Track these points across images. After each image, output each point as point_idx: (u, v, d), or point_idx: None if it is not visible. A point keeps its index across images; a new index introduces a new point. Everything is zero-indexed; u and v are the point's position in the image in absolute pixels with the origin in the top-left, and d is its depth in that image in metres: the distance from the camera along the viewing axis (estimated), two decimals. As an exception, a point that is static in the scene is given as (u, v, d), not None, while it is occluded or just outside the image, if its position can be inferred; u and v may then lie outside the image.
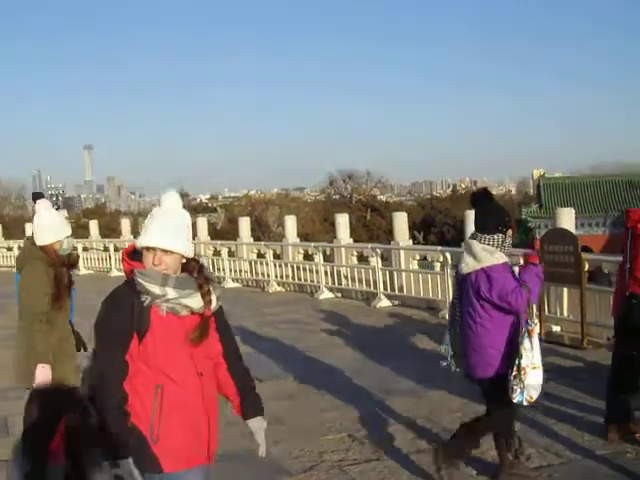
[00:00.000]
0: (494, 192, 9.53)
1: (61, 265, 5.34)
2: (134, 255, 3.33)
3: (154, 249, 3.23)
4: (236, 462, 5.49)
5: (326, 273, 16.56)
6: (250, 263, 19.65)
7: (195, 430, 3.28)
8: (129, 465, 3.03)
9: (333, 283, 16.42)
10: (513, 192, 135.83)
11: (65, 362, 5.28)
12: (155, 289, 3.17)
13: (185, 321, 3.26)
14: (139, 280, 3.20)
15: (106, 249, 26.17)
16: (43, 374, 5.05)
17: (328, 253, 17.67)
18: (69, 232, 5.44)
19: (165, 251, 3.23)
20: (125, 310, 3.19)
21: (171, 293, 3.19)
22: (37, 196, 5.62)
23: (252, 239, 22.53)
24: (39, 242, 5.29)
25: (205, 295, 3.30)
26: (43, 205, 5.44)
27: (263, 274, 18.83)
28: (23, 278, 5.25)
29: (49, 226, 5.32)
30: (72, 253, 5.59)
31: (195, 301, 3.27)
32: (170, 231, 3.25)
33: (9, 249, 30.79)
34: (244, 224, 22.29)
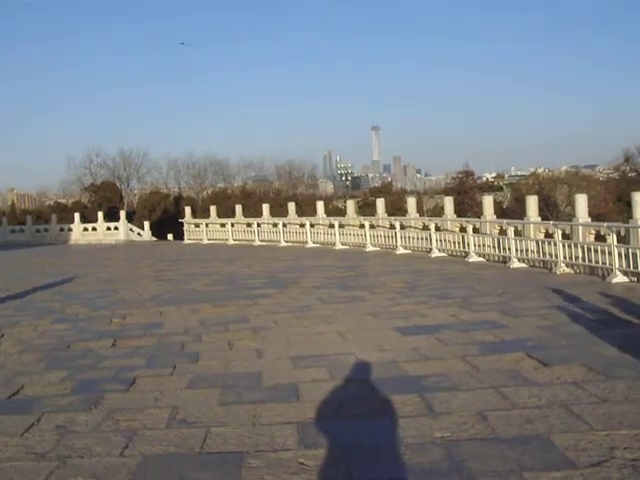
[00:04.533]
0: None
1: None
2: None
3: None
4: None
5: (620, 255, 15.45)
6: (537, 243, 18.97)
7: None
8: None
9: (628, 266, 15.27)
10: None
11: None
12: None
13: None
14: None
15: (392, 226, 26.77)
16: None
17: (622, 234, 16.50)
18: None
19: None
20: None
21: None
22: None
23: (540, 218, 21.74)
24: None
25: None
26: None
27: (551, 254, 18.09)
28: None
29: None
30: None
31: None
32: None
33: (302, 225, 32.72)
34: (531, 203, 21.58)
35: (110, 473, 4.97)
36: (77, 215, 50.60)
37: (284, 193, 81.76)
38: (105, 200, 74.07)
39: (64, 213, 62.27)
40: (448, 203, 27.22)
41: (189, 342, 9.74)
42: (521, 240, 19.66)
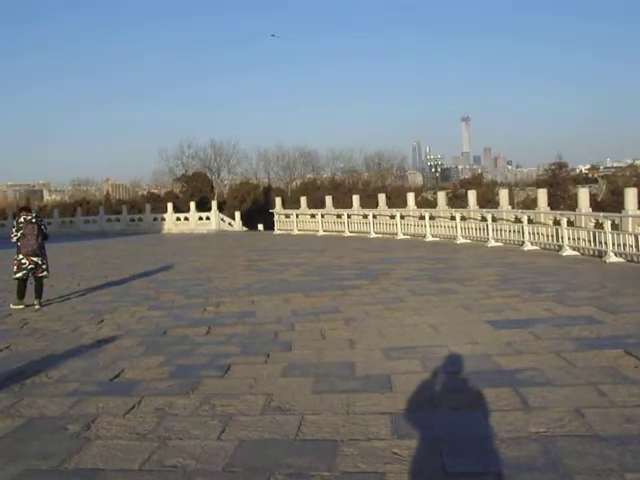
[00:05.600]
0: None
1: None
2: None
3: None
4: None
5: None
6: (636, 237, 18.34)
7: None
8: None
9: None
10: None
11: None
12: None
13: None
14: None
15: (484, 219, 26.40)
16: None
17: None
18: None
19: None
20: None
21: None
22: None
23: (639, 212, 21.03)
24: None
25: None
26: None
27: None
28: None
29: None
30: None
31: None
32: None
33: (392, 217, 32.62)
34: (630, 195, 20.96)
35: (208, 456, 5.12)
36: (170, 205, 51.90)
37: (373, 184, 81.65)
38: (196, 190, 75.52)
39: (156, 203, 63.93)
40: (541, 195, 26.67)
41: (282, 331, 9.88)
42: (618, 234, 19.05)
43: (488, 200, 52.86)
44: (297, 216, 40.18)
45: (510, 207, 29.45)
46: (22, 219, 13.70)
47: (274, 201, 45.07)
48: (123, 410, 6.34)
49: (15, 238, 13.65)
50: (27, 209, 14.54)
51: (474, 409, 5.93)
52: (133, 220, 53.33)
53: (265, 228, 48.60)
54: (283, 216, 41.83)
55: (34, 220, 13.74)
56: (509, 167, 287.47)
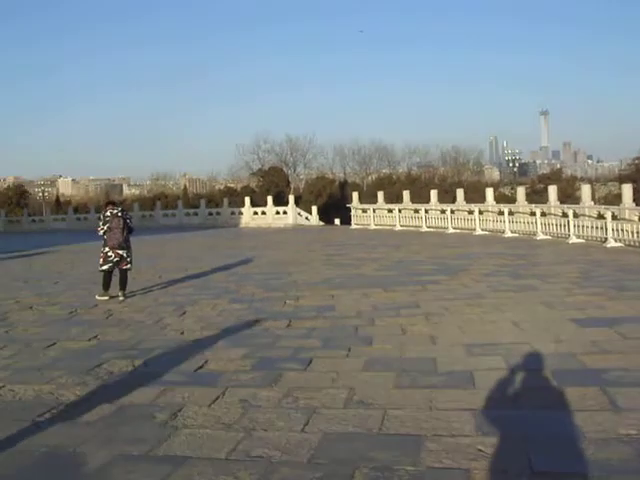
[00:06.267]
0: None
1: None
2: None
3: None
4: None
5: None
6: None
7: None
8: None
9: None
10: None
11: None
12: None
13: None
14: None
15: (564, 215, 25.86)
16: None
17: None
18: None
19: None
20: None
21: None
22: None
23: None
24: None
25: None
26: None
27: None
28: None
29: None
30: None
31: None
32: None
33: (470, 212, 32.26)
34: None
35: (293, 447, 5.19)
36: (247, 199, 52.44)
37: (449, 179, 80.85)
38: (272, 185, 76.16)
39: (233, 197, 64.68)
40: (626, 191, 25.92)
41: (362, 325, 9.91)
42: None
43: (568, 195, 51.78)
44: (374, 211, 40.11)
45: (592, 203, 28.72)
46: (109, 213, 14.09)
47: (350, 196, 45.13)
48: (208, 400, 6.48)
49: (102, 231, 14.05)
50: (113, 203, 14.96)
51: (560, 408, 5.84)
52: (211, 214, 54.20)
53: (341, 223, 48.70)
54: (360, 211, 41.81)
55: (120, 214, 14.12)
56: (589, 162, 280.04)
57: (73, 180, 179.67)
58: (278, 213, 49.85)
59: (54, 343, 9.66)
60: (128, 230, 14.17)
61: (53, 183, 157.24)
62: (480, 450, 4.95)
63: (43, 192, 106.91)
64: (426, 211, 35.56)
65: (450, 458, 4.83)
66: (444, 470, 4.67)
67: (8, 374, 7.96)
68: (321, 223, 48.61)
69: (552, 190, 29.91)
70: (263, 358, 8.14)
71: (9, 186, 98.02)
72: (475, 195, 43.28)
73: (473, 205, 33.10)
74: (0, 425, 6.04)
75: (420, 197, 44.18)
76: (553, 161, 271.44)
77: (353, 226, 41.13)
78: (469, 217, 32.09)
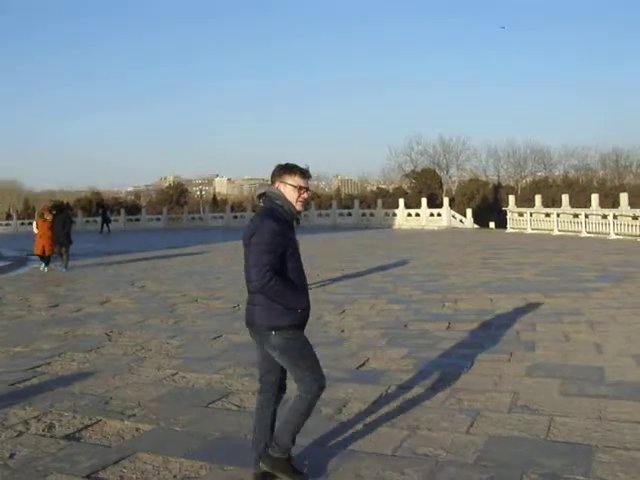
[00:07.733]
0: None
1: None
2: None
3: None
4: None
5: None
6: None
7: None
8: None
9: None
10: None
11: None
12: None
13: None
14: None
15: None
16: None
17: None
18: None
19: None
20: None
21: None
22: None
23: None
24: None
25: None
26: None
27: None
28: None
29: None
30: None
31: None
32: None
33: (634, 218, 30.78)
34: None
35: (458, 448, 5.21)
36: (401, 201, 52.45)
37: (609, 183, 77.34)
38: (425, 187, 75.75)
39: (385, 198, 64.89)
40: None
41: (523, 330, 9.73)
42: None
43: None
44: (531, 214, 39.07)
45: None
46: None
47: (504, 199, 44.24)
48: (371, 397, 6.61)
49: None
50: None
51: None
52: (364, 215, 54.67)
53: (496, 226, 47.78)
54: (516, 214, 40.84)
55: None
56: None
57: (229, 179, 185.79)
58: (432, 215, 49.53)
59: (220, 335, 10.15)
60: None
61: (210, 182, 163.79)
62: (658, 467, 4.77)
63: (201, 191, 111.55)
64: (586, 216, 34.23)
65: (625, 472, 4.66)
66: (619, 484, 4.54)
67: (180, 362, 8.47)
68: (476, 226, 47.84)
69: None
70: (424, 359, 8.17)
71: (170, 185, 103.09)
72: (639, 200, 41.25)
73: (638, 210, 31.54)
74: (177, 408, 6.46)
75: (578, 201, 42.63)
76: None
77: (508, 230, 40.23)
78: (634, 223, 30.59)
